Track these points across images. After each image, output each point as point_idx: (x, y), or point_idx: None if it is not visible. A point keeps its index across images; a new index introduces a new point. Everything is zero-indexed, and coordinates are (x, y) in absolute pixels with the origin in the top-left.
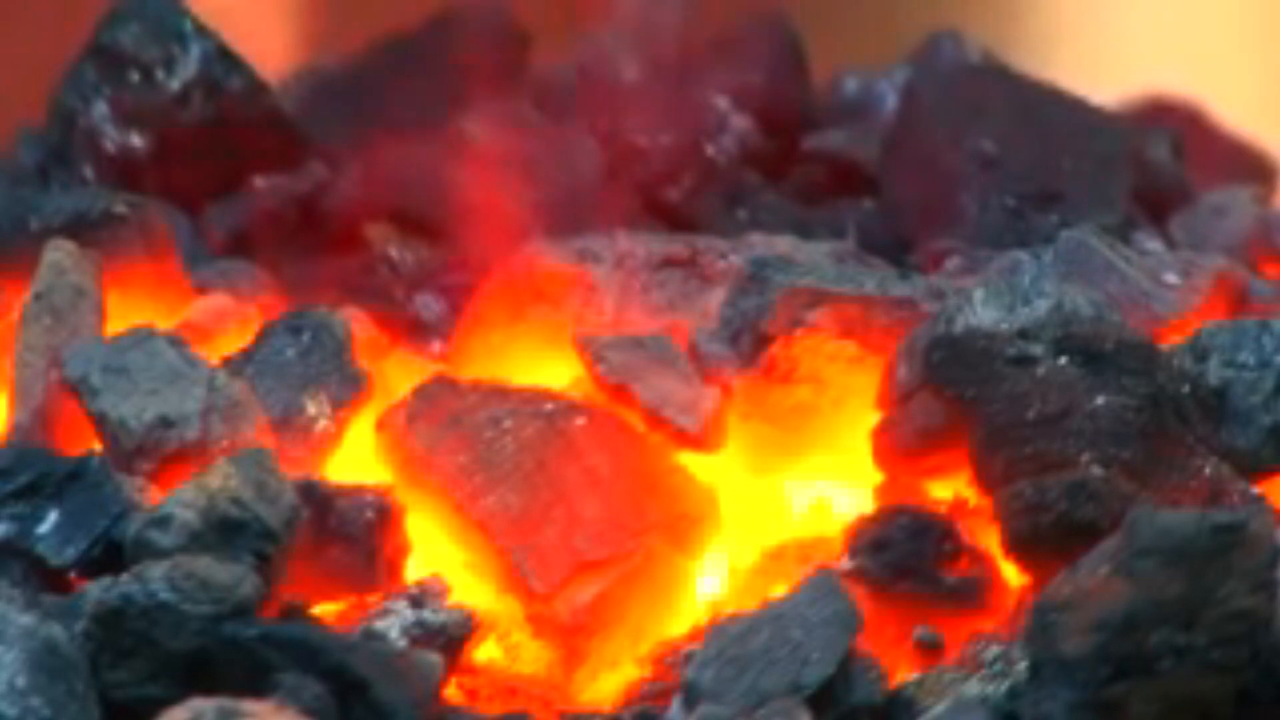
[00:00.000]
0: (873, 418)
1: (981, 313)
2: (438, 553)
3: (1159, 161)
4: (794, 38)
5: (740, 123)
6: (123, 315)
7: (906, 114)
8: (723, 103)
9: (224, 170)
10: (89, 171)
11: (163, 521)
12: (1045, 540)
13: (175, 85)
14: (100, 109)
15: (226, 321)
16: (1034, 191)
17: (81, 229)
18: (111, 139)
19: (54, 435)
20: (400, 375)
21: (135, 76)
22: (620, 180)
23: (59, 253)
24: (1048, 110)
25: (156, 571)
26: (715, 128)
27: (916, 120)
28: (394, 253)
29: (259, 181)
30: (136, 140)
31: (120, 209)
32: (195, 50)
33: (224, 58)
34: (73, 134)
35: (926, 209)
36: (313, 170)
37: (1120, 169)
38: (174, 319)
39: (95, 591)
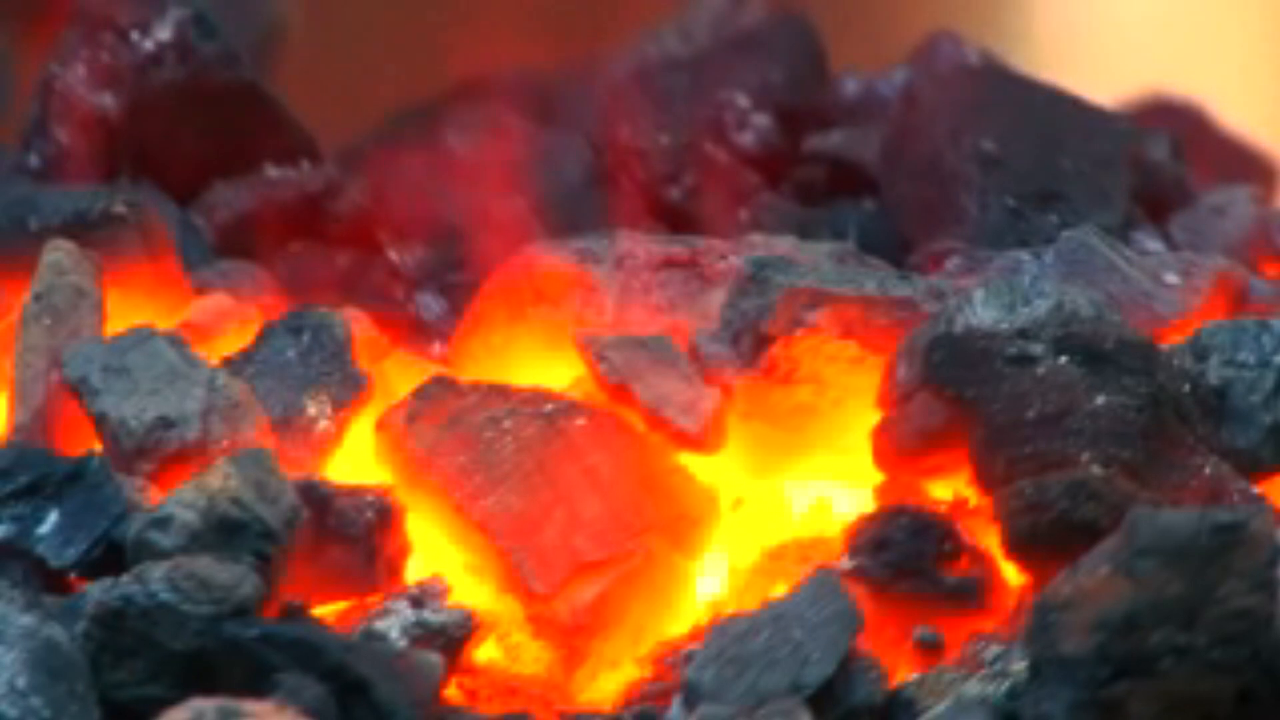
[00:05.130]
0: (873, 418)
1: (981, 313)
2: (438, 553)
3: (1159, 161)
4: (813, 35)
5: (761, 120)
6: (123, 315)
7: (906, 114)
8: (743, 100)
9: (202, 140)
10: (63, 136)
11: (163, 522)
12: (1045, 540)
13: (149, 46)
14: (76, 72)
15: (227, 321)
16: (1034, 191)
17: (81, 229)
18: (84, 100)
19: (54, 435)
20: (400, 375)
21: (110, 38)
22: (624, 182)
23: (59, 253)
24: (1047, 110)
25: (157, 572)
26: (736, 125)
27: (917, 120)
28: (394, 254)
29: (272, 172)
30: (108, 101)
31: (119, 209)
32: (172, 14)
33: (200, 23)
34: (50, 99)
35: (927, 209)
36: (325, 170)
37: (1120, 169)
38: (174, 319)
39: (96, 592)
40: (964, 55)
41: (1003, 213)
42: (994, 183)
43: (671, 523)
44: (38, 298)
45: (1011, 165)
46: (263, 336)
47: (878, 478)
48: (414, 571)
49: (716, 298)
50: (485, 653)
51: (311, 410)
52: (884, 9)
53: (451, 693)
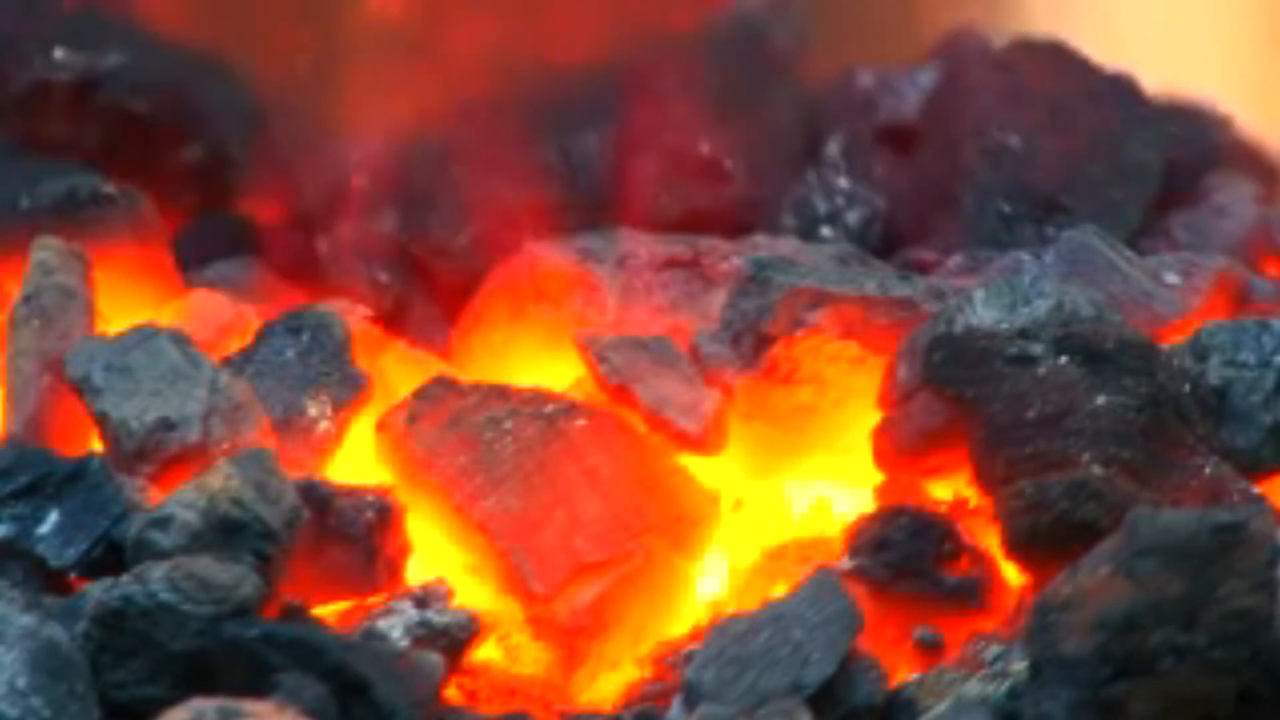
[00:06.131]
0: (873, 418)
1: (982, 313)
2: (438, 554)
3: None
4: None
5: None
6: (110, 299)
7: (954, 84)
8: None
9: None
10: None
11: (163, 522)
12: (1045, 540)
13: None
14: None
15: (228, 335)
16: (1040, 199)
17: (71, 209)
18: None
19: (50, 440)
20: (400, 374)
21: None
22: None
23: (46, 251)
24: (1095, 103)
25: (157, 572)
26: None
27: (955, 96)
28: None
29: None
30: None
31: (109, 190)
32: None
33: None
34: None
35: (933, 195)
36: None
37: (1148, 179)
38: (161, 304)
39: (96, 592)
40: (988, 52)
41: (995, 218)
42: (1000, 183)
43: (672, 524)
44: (26, 300)
45: (1027, 165)
46: (262, 336)
47: (878, 478)
48: (414, 572)
49: (718, 298)
50: (485, 653)
51: (312, 410)
52: (894, 7)
53: (451, 693)
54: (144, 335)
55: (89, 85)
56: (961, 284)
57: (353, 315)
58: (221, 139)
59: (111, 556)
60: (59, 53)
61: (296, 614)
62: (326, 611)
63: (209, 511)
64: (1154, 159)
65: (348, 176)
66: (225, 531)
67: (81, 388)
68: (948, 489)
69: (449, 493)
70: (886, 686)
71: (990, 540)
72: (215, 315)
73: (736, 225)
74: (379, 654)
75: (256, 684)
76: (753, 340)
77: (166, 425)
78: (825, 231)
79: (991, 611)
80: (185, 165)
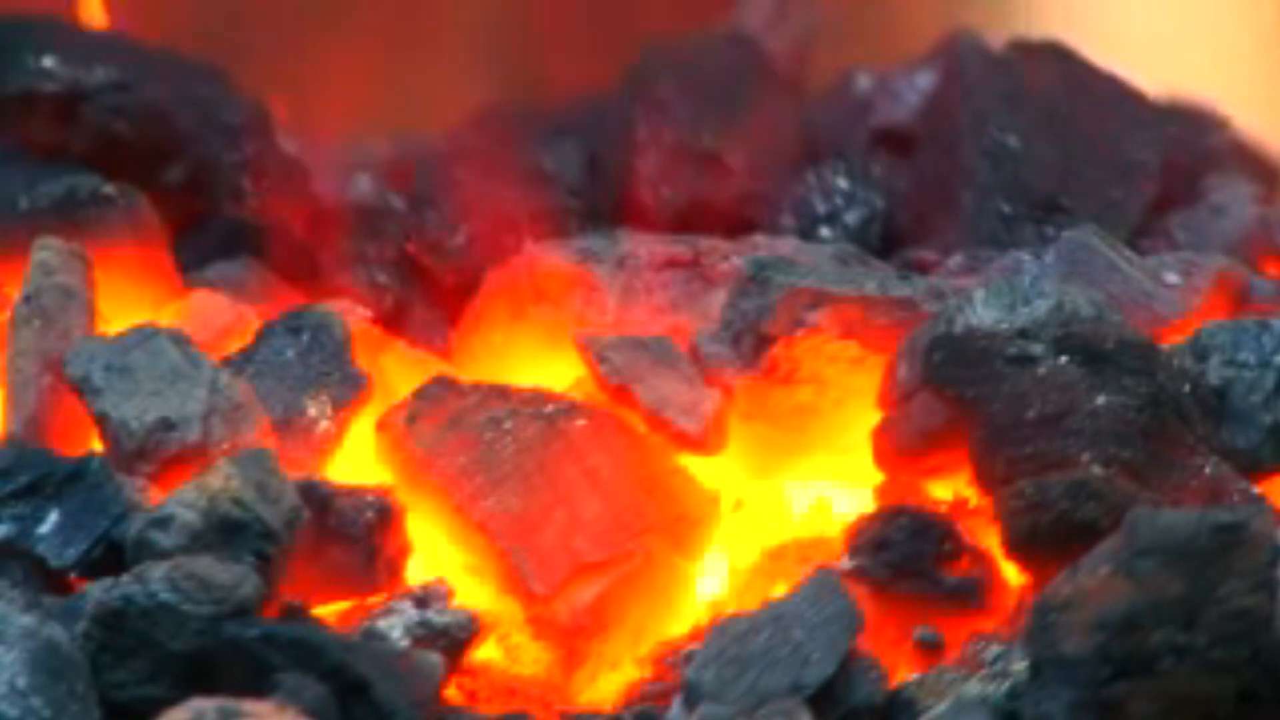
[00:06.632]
0: (873, 418)
1: (982, 313)
2: (438, 554)
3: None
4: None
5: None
6: (110, 299)
7: (950, 85)
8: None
9: None
10: None
11: (164, 522)
12: (1045, 540)
13: None
14: None
15: (228, 336)
16: (1039, 199)
17: (70, 208)
18: None
19: (50, 440)
20: (400, 373)
21: None
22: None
23: (46, 251)
24: (1094, 103)
25: (157, 572)
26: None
27: (955, 96)
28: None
29: None
30: None
31: (109, 190)
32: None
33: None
34: None
35: (932, 195)
36: None
37: (1147, 179)
38: (161, 304)
39: (96, 592)
40: (987, 54)
41: (995, 218)
42: (1000, 183)
43: (672, 524)
44: (26, 300)
45: (1026, 165)
46: (262, 336)
47: (878, 478)
48: (414, 572)
49: (719, 298)
50: (485, 653)
51: (312, 410)
52: (893, 8)
53: (451, 693)
54: (144, 335)
55: (76, 98)
56: (961, 284)
57: (353, 315)
58: (211, 153)
59: (111, 556)
60: (47, 62)
61: (296, 614)
62: (326, 611)
63: (209, 511)
64: (1153, 159)
65: (345, 180)
66: (225, 531)
67: (81, 388)
68: (948, 489)
69: (449, 493)
70: (886, 686)
71: (990, 540)
72: (215, 315)
73: (737, 220)
74: (379, 654)
75: (256, 684)
76: (753, 340)
77: (166, 425)
78: (825, 231)
79: (991, 611)
80: (171, 180)
